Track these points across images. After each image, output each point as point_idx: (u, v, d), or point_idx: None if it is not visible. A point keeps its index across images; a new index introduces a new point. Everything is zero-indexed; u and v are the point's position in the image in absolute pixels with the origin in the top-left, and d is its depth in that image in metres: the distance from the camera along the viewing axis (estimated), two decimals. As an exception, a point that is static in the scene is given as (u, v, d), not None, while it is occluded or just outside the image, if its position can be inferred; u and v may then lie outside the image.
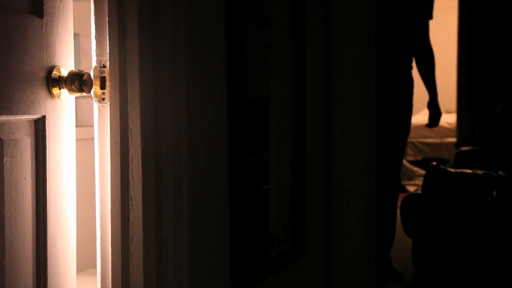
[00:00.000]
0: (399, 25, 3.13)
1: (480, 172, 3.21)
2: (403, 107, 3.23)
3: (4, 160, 1.29)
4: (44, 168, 1.40)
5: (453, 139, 6.55)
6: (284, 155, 2.12)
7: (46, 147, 1.40)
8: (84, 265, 2.02)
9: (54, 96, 1.42)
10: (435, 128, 6.68)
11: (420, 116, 6.59)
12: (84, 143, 1.96)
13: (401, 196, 3.48)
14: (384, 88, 2.85)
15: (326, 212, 2.41)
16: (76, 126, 1.52)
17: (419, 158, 6.95)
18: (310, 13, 2.23)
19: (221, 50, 1.60)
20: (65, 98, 1.46)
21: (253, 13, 1.88)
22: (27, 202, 1.36)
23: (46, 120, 1.40)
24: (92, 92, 1.42)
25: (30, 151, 1.37)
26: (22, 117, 1.34)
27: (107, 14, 1.38)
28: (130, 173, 1.38)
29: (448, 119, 6.91)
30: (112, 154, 1.39)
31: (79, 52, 2.67)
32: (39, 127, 1.39)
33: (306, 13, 2.19)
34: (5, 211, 1.30)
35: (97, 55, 1.41)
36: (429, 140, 7.08)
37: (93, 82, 1.41)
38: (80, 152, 1.61)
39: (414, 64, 3.27)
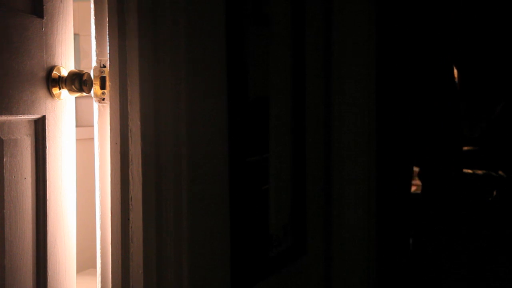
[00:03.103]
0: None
1: (480, 172, 3.21)
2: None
3: (4, 160, 1.29)
4: (44, 168, 1.40)
5: (453, 139, 6.53)
6: (284, 155, 2.12)
7: (46, 147, 1.40)
8: (84, 265, 2.02)
9: (54, 96, 1.42)
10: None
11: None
12: (84, 143, 1.96)
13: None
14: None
15: (326, 212, 2.41)
16: (76, 126, 1.52)
17: (419, 158, 6.93)
18: (310, 13, 2.23)
19: (221, 50, 1.60)
20: (65, 98, 1.46)
21: (253, 13, 1.88)
22: (27, 202, 1.36)
23: (46, 120, 1.40)
24: (92, 92, 1.42)
25: (30, 151, 1.37)
26: (22, 117, 1.34)
27: (107, 14, 1.38)
28: (130, 173, 1.38)
29: (448, 119, 6.91)
30: (112, 154, 1.39)
31: (79, 52, 2.67)
32: (39, 127, 1.39)
33: (306, 13, 2.19)
34: (5, 211, 1.30)
35: (97, 55, 1.41)
36: (429, 140, 7.06)
37: (93, 82, 1.41)
38: (80, 152, 1.61)
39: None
